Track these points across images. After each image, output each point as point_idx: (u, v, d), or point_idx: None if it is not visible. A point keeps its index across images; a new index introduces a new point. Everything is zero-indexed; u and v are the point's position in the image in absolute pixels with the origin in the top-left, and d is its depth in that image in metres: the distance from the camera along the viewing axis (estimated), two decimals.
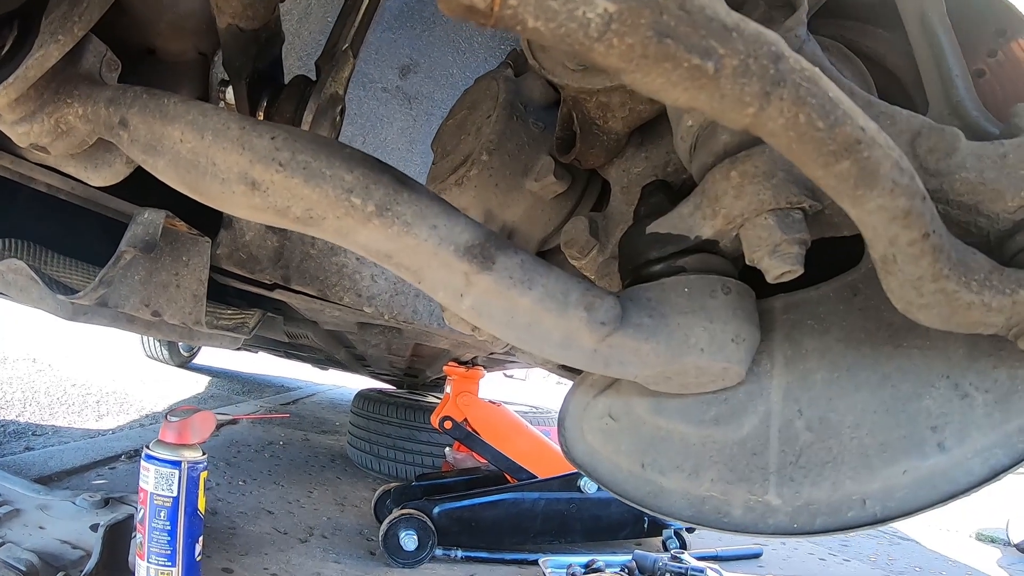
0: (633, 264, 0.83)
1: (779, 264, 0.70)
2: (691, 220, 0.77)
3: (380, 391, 4.69)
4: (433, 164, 1.18)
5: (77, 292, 1.59)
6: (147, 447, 1.98)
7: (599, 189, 1.09)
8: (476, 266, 0.69)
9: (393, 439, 4.21)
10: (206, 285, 1.71)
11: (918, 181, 0.55)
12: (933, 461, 0.75)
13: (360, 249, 0.74)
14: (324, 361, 5.05)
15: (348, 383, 8.13)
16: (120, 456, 3.40)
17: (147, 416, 4.70)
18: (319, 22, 1.83)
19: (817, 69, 0.46)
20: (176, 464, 1.94)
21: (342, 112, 1.07)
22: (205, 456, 2.04)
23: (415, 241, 0.69)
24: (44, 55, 0.82)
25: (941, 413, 0.76)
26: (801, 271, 0.72)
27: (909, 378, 0.78)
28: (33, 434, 3.63)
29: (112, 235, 1.64)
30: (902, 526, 4.98)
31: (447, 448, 3.79)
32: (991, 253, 0.69)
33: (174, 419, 2.04)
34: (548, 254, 1.17)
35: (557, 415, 1.05)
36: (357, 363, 4.45)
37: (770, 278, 0.72)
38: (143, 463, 1.93)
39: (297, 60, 1.79)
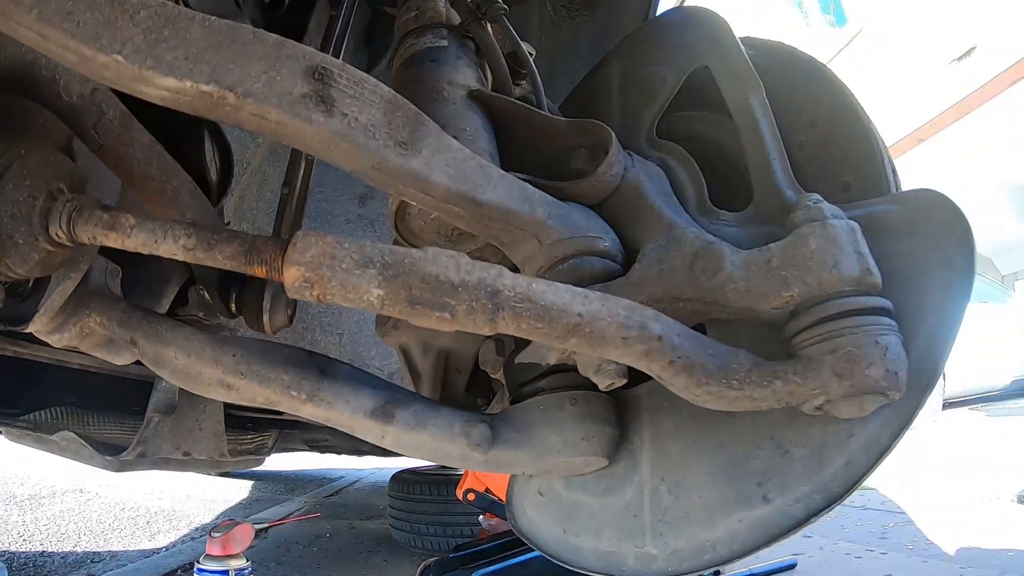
0: (511, 387, 1.09)
1: (604, 379, 0.96)
2: (542, 351, 1.03)
3: (412, 471, 4.87)
4: None
5: (118, 446, 1.89)
6: (198, 562, 2.25)
7: None
8: (382, 422, 0.96)
9: (431, 515, 4.35)
10: (223, 425, 1.99)
11: (651, 327, 0.80)
12: (760, 511, 0.92)
13: (309, 418, 1.01)
14: (358, 451, 5.26)
15: (389, 464, 8.25)
16: (176, 571, 3.59)
17: (196, 529, 4.85)
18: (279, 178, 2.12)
19: (535, 285, 0.73)
20: (224, 574, 2.21)
21: None
22: (250, 563, 2.29)
23: (337, 413, 0.97)
24: (63, 289, 1.06)
25: (766, 470, 0.93)
26: (623, 382, 0.97)
27: (740, 442, 0.97)
28: (92, 561, 3.80)
29: (137, 388, 1.94)
30: (941, 505, 4.93)
31: (480, 516, 3.94)
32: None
33: (217, 534, 2.31)
34: None
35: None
36: (384, 448, 4.64)
37: (601, 388, 0.97)
38: None
39: (265, 217, 2.07)
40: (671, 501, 1.02)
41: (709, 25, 1.21)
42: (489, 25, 1.35)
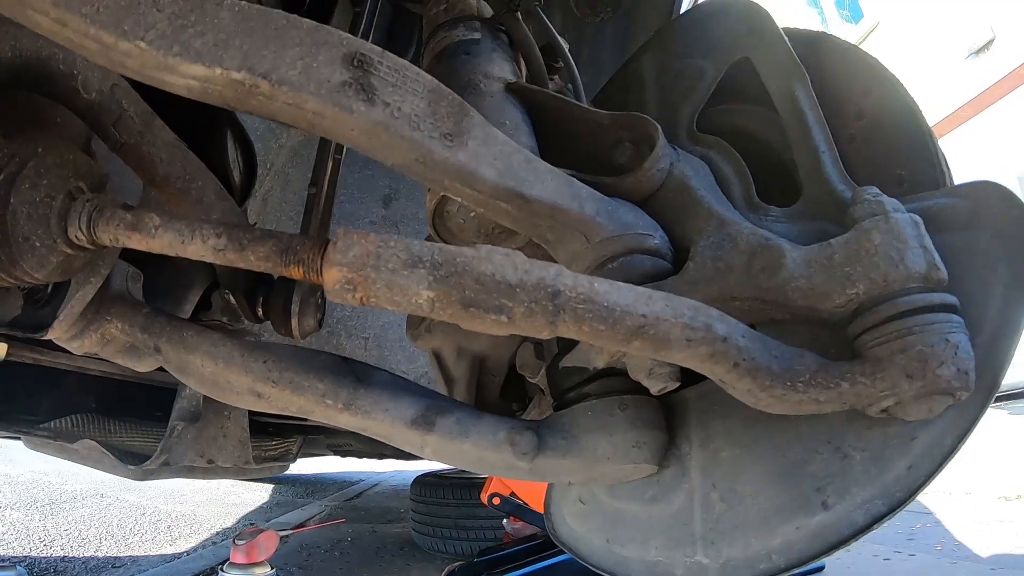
0: (554, 393, 1.04)
1: (655, 383, 0.91)
2: (590, 354, 0.98)
3: (435, 474, 4.85)
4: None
5: (141, 454, 1.86)
6: (221, 569, 2.22)
7: None
8: (422, 431, 0.91)
9: (454, 519, 4.34)
10: (248, 431, 1.96)
11: (716, 328, 0.75)
12: (820, 517, 0.87)
13: (345, 427, 0.97)
14: (379, 454, 5.25)
15: (409, 467, 8.27)
16: None
17: (218, 534, 4.88)
18: (302, 180, 2.08)
19: (597, 284, 0.68)
20: None
21: (323, 295, 1.30)
22: (274, 570, 2.25)
23: (376, 422, 0.92)
24: (83, 295, 1.04)
25: (825, 475, 0.88)
26: (676, 385, 0.92)
27: (797, 447, 0.92)
28: (112, 566, 3.80)
29: (160, 395, 1.91)
30: (969, 505, 4.86)
31: (504, 520, 3.92)
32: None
33: (241, 542, 2.27)
34: None
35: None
36: (406, 452, 4.63)
37: (653, 392, 0.92)
38: None
39: (289, 220, 2.04)
40: (723, 508, 0.97)
41: (749, 15, 1.16)
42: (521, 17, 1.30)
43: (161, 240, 0.82)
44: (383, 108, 0.77)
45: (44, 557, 3.83)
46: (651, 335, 0.69)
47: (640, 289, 0.71)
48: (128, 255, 1.14)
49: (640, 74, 1.31)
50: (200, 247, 0.79)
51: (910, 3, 12.48)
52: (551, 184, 0.89)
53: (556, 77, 1.40)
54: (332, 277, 0.68)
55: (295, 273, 0.74)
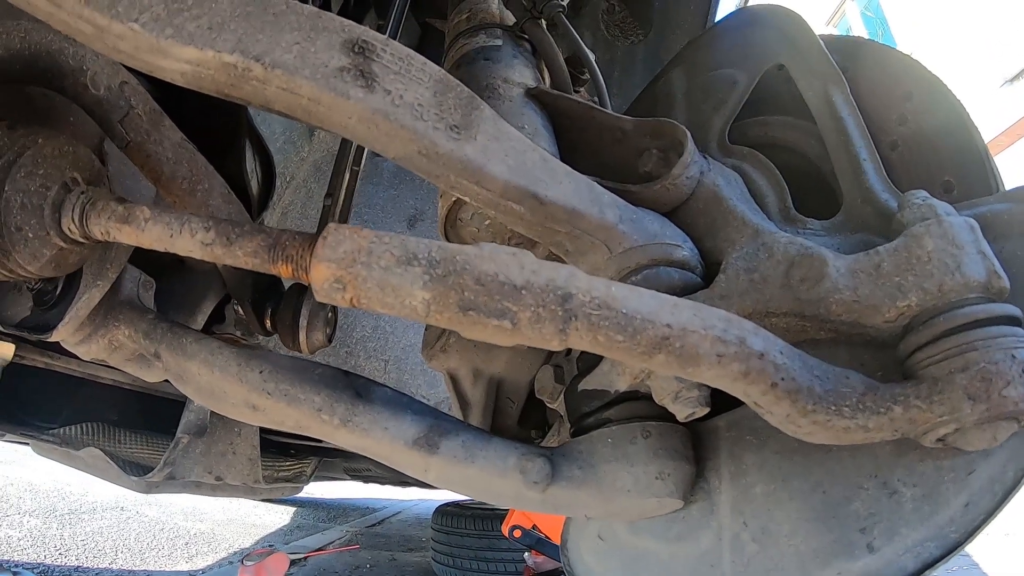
0: (572, 418, 0.96)
1: (683, 408, 0.82)
2: (611, 376, 0.90)
3: (457, 504, 4.78)
4: (425, 330, 1.35)
5: (148, 467, 1.82)
6: None
7: None
8: (424, 453, 0.84)
9: (474, 550, 4.27)
10: (259, 449, 1.90)
11: (751, 342, 0.66)
12: (864, 562, 0.78)
13: (342, 445, 0.90)
14: (401, 481, 5.19)
15: (432, 496, 8.19)
16: None
17: (235, 553, 4.83)
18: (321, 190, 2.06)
19: (615, 288, 0.60)
20: None
21: (334, 309, 1.24)
22: None
23: (374, 441, 0.85)
24: (89, 298, 1.01)
25: (870, 514, 0.79)
26: (706, 411, 0.83)
27: (839, 482, 0.83)
28: None
29: (169, 407, 1.87)
30: (1007, 545, 4.66)
31: (526, 553, 3.83)
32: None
33: (250, 563, 2.21)
34: None
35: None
36: None
37: (680, 419, 0.84)
38: None
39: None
40: (756, 550, 0.88)
41: (781, 21, 1.09)
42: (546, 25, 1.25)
43: (150, 234, 0.78)
44: (383, 95, 0.71)
45: (58, 566, 3.80)
46: (677, 348, 0.61)
47: (664, 296, 0.63)
48: (142, 263, 1.12)
49: (669, 88, 1.25)
50: (188, 241, 0.74)
51: (943, 30, 12.33)
52: (569, 186, 0.82)
53: (582, 90, 1.35)
54: (320, 274, 0.61)
55: (283, 271, 0.69)
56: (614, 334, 0.58)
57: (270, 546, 5.07)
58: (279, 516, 6.89)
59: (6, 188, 0.83)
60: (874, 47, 1.06)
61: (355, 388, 0.87)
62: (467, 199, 0.81)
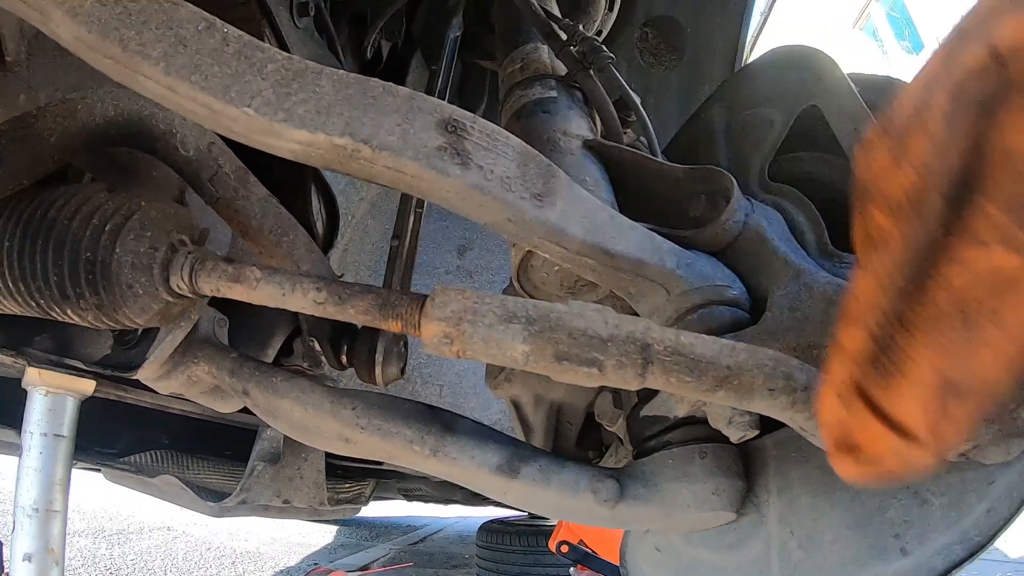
0: (635, 442, 1.06)
1: (736, 431, 0.92)
2: (670, 403, 1.00)
3: (502, 521, 4.85)
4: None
5: (216, 491, 1.92)
6: None
7: None
8: (506, 477, 0.94)
9: (520, 566, 4.33)
10: (324, 473, 2.01)
11: (797, 377, 0.76)
12: (898, 564, 0.87)
13: (429, 472, 1.00)
14: (446, 500, 5.26)
15: (474, 513, 8.22)
16: None
17: (280, 572, 4.91)
18: (380, 231, 2.16)
19: (683, 337, 0.70)
20: None
21: (405, 344, 1.35)
22: None
23: (461, 468, 0.95)
24: (173, 338, 1.10)
25: (903, 521, 0.88)
26: (756, 433, 0.93)
27: (875, 493, 0.91)
28: None
29: (231, 433, 1.98)
30: None
31: (572, 569, 3.87)
32: None
33: None
34: None
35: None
36: (475, 498, 4.65)
37: (733, 440, 0.93)
38: None
39: (367, 269, 2.11)
40: (802, 556, 0.96)
41: (813, 63, 1.17)
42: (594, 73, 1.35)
43: (262, 292, 0.86)
44: (477, 171, 0.81)
45: None
46: (735, 385, 0.71)
47: (724, 341, 0.73)
48: (214, 301, 1.16)
49: (709, 126, 1.34)
50: (301, 300, 0.83)
51: None
52: (634, 239, 0.92)
53: (629, 130, 1.44)
54: (431, 331, 0.72)
55: (393, 327, 0.78)
56: (684, 376, 0.69)
57: (316, 564, 5.16)
58: (323, 535, 6.96)
59: (117, 250, 0.89)
60: (901, 85, 1.12)
61: (442, 421, 0.97)
62: (544, 255, 0.91)
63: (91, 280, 0.88)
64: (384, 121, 0.80)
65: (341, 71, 0.83)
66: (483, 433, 0.98)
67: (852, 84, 1.11)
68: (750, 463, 1.05)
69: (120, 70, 0.78)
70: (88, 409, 2.21)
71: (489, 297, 0.72)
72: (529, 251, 1.05)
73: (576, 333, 0.67)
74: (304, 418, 1.01)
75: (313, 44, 1.65)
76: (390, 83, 0.84)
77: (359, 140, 0.78)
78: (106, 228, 0.89)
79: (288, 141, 0.80)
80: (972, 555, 0.83)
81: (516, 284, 1.12)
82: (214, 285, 0.91)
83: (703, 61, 2.50)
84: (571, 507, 0.97)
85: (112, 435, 2.35)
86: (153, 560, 4.77)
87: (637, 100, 1.37)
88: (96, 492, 6.23)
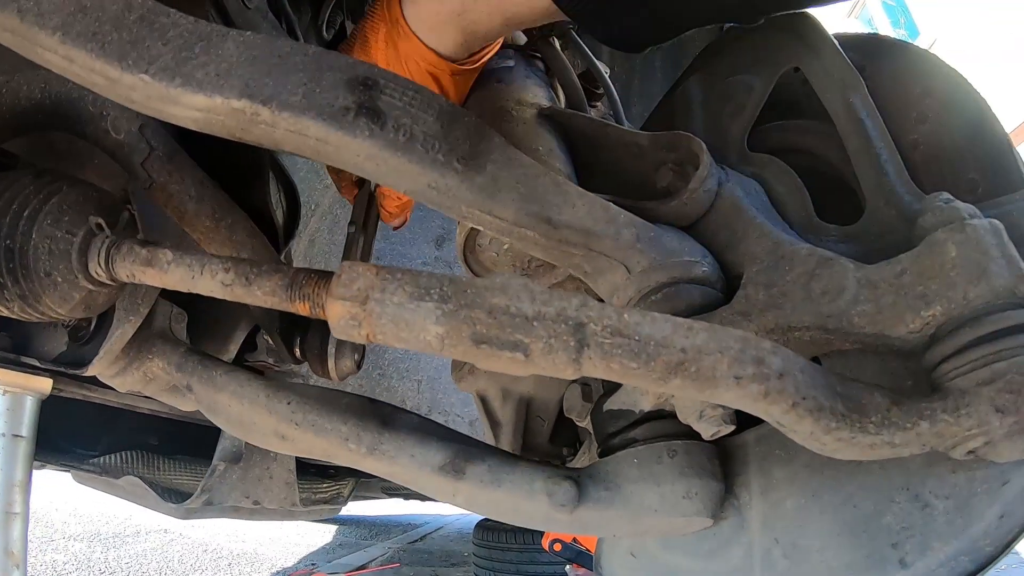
0: (599, 438, 0.96)
1: (708, 426, 0.81)
2: (635, 395, 0.90)
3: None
4: None
5: (187, 493, 1.86)
6: None
7: None
8: (451, 478, 0.84)
9: (516, 564, 4.28)
10: (295, 473, 1.93)
11: (769, 363, 0.66)
12: None
13: (371, 472, 0.91)
14: (428, 497, 5.20)
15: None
16: None
17: (277, 572, 4.88)
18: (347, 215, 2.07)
19: (627, 315, 0.60)
20: None
21: None
22: None
23: (401, 468, 0.86)
24: (122, 333, 1.04)
25: (902, 528, 0.77)
26: (731, 428, 0.83)
27: (870, 495, 0.81)
28: None
29: (207, 433, 1.91)
30: None
31: (567, 567, 3.82)
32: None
33: None
34: None
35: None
36: None
37: (705, 437, 0.83)
38: None
39: (338, 261, 2.02)
40: (787, 566, 0.86)
41: (795, 23, 1.07)
42: (558, 44, 1.25)
43: (173, 275, 0.79)
44: (392, 132, 0.72)
45: None
46: (693, 372, 0.61)
47: (679, 320, 0.62)
48: (173, 296, 1.14)
49: (686, 97, 1.24)
50: (209, 282, 0.75)
51: (968, 18, 12.11)
52: (582, 208, 0.82)
53: (599, 104, 1.34)
54: (336, 312, 0.62)
55: (301, 308, 0.70)
56: (628, 361, 0.58)
57: (312, 565, 5.12)
58: (322, 535, 6.93)
59: (34, 235, 0.85)
60: (891, 43, 1.03)
61: (381, 416, 0.88)
62: (482, 229, 0.81)
63: (11, 269, 0.85)
64: (288, 80, 0.72)
65: (249, 32, 0.76)
66: (426, 429, 0.88)
67: (837, 44, 1.02)
68: (729, 462, 0.95)
69: (20, 43, 0.75)
70: (71, 410, 2.16)
71: (401, 272, 0.61)
72: (473, 229, 0.96)
73: (496, 311, 0.56)
74: (241, 413, 0.94)
75: (267, 25, 1.56)
76: (302, 43, 0.75)
77: (258, 102, 0.71)
78: (24, 213, 0.86)
79: (188, 108, 0.74)
80: (982, 568, 0.73)
81: (464, 266, 1.03)
82: (129, 270, 0.84)
83: (687, 41, 2.41)
84: (526, 511, 0.87)
85: (92, 436, 2.29)
86: (149, 563, 4.74)
87: (605, 71, 1.27)
88: (95, 496, 6.21)
